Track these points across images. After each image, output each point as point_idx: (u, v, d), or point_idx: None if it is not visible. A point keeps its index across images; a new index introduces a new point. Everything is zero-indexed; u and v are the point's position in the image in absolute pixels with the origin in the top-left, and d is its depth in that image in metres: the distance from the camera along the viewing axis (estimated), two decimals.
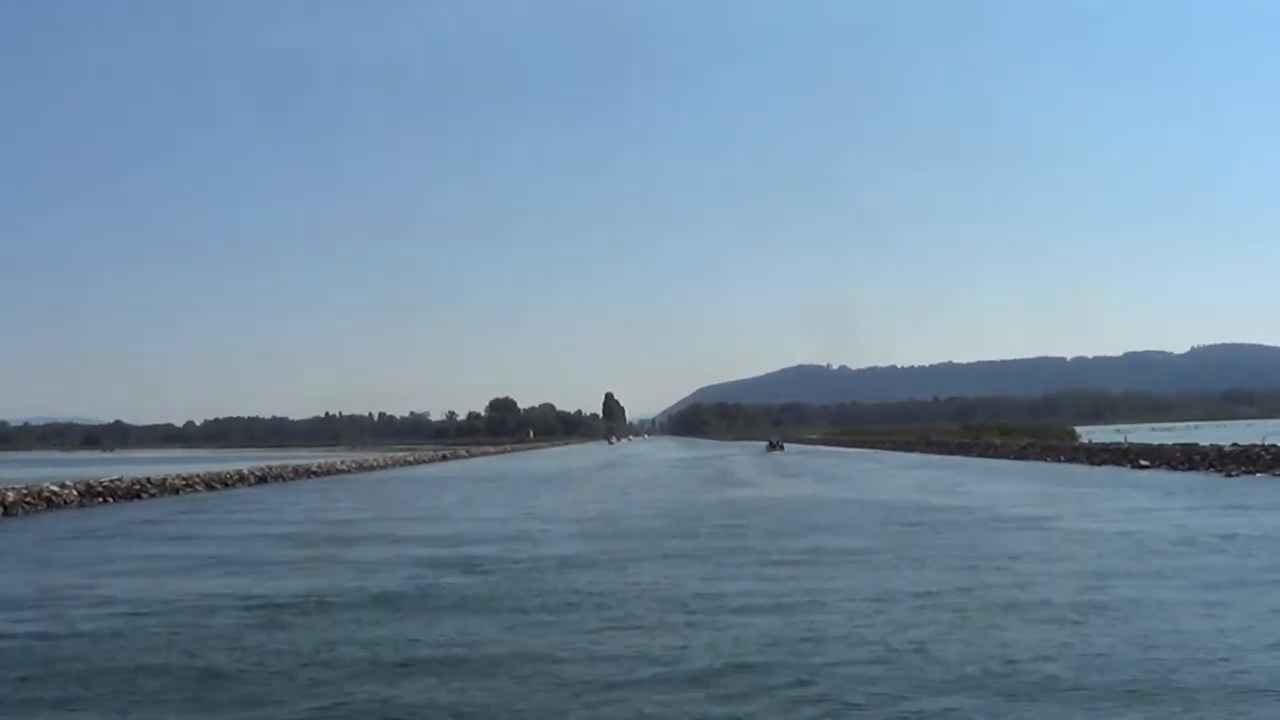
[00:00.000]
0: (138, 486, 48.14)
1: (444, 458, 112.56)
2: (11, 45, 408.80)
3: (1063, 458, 60.21)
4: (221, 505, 40.86)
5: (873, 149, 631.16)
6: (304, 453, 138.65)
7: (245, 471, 60.95)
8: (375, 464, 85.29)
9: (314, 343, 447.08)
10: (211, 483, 55.09)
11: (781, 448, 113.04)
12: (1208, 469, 44.23)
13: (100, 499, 44.53)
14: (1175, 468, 46.76)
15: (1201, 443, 52.61)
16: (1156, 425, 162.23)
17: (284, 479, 63.95)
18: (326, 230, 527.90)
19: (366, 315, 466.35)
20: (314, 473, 69.44)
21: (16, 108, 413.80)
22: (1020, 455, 66.75)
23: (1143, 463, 49.29)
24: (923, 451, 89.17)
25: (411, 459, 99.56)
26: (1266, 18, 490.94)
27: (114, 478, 49.37)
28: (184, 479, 53.31)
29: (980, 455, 73.81)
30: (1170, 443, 54.75)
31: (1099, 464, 54.05)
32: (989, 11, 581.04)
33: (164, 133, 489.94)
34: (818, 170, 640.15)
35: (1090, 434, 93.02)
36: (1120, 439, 78.67)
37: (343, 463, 78.46)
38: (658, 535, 23.88)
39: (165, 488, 50.48)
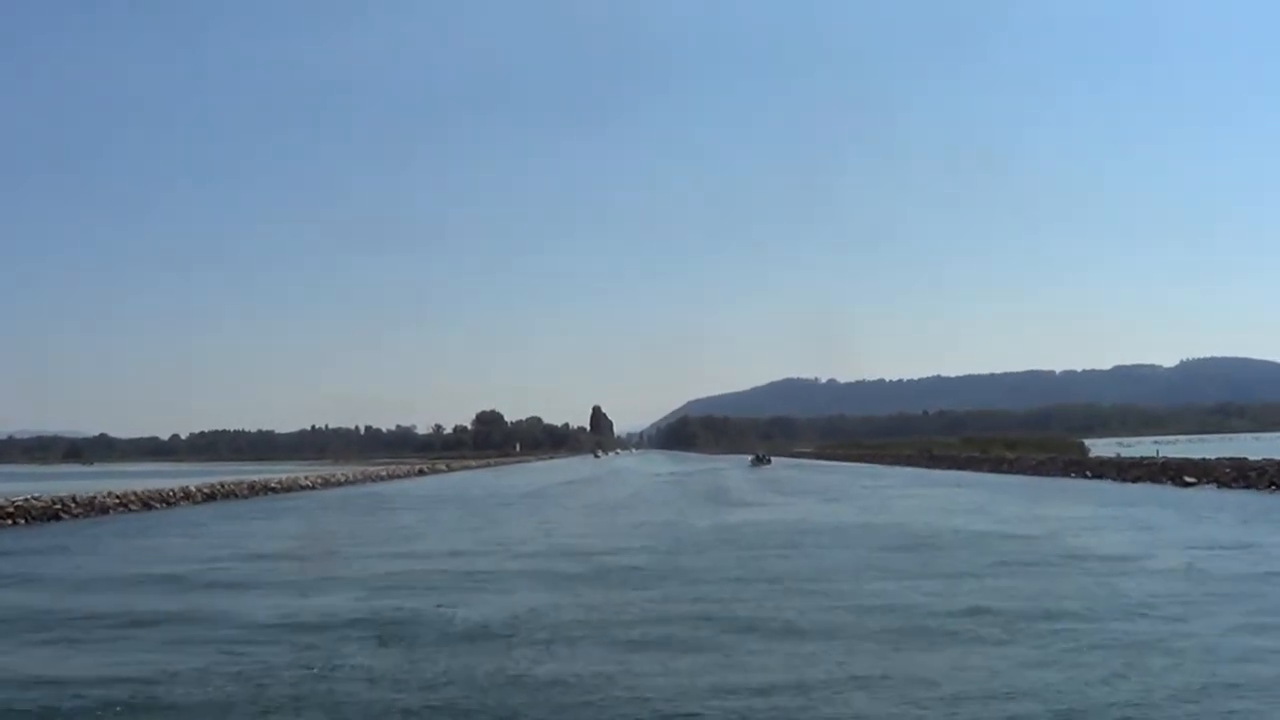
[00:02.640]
0: (58, 506, 42.56)
1: (420, 472, 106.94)
2: (8, 48, 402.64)
3: (1089, 473, 55.11)
4: (143, 529, 35.34)
5: (862, 162, 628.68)
6: (288, 466, 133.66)
7: (192, 489, 55.41)
8: (344, 479, 79.65)
9: (302, 355, 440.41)
10: (150, 501, 49.51)
11: (768, 461, 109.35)
12: (1267, 487, 39.21)
13: (10, 520, 39.05)
14: (1226, 485, 41.76)
15: (1252, 457, 47.67)
16: (1160, 439, 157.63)
17: (237, 496, 58.44)
18: (315, 243, 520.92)
19: (355, 328, 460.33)
20: (272, 489, 63.88)
21: (6, 116, 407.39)
22: (1039, 471, 61.58)
23: (1187, 479, 44.22)
24: (926, 466, 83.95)
25: (385, 474, 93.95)
26: (1267, 29, 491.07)
27: (31, 495, 43.80)
28: (117, 497, 47.71)
29: (992, 471, 68.63)
30: (1213, 457, 49.69)
31: (1132, 480, 49.00)
32: (980, 25, 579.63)
33: (153, 145, 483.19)
34: (806, 184, 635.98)
35: (1092, 447, 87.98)
36: (1124, 452, 73.63)
37: (306, 478, 72.84)
38: (648, 582, 18.54)
39: (93, 507, 44.88)
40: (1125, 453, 72.34)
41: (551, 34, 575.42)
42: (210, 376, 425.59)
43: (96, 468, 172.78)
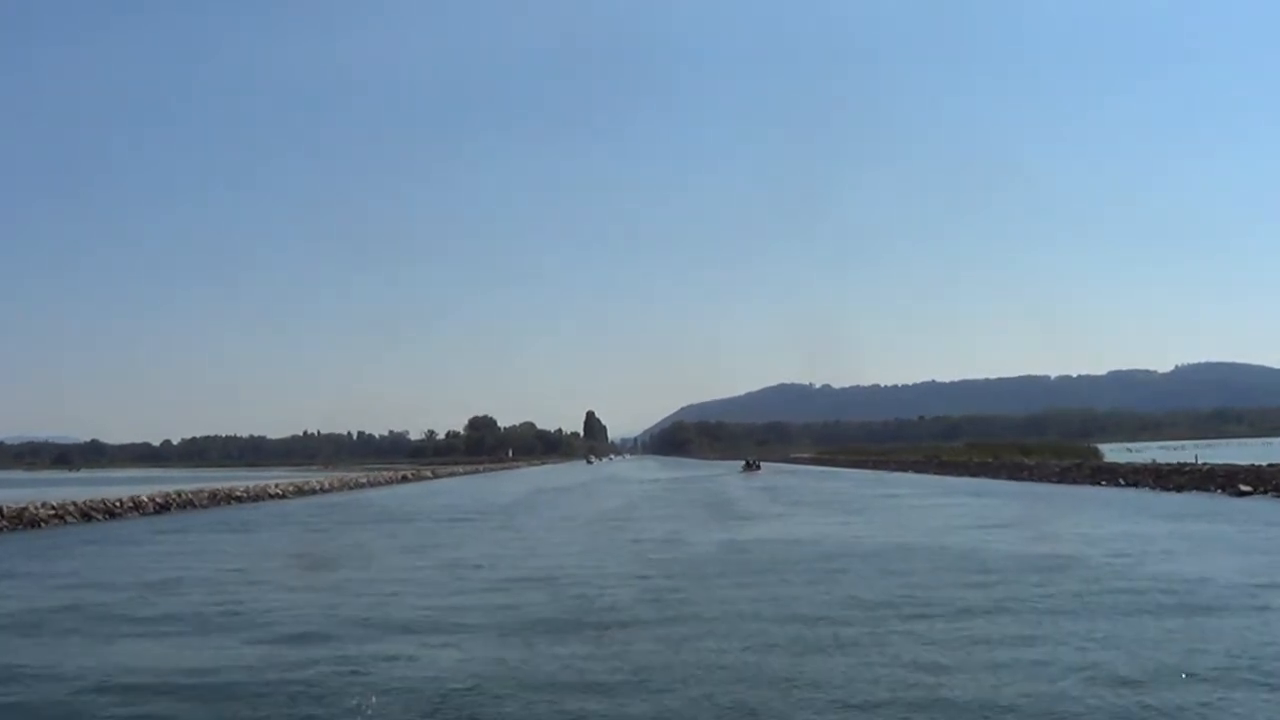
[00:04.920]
0: None
1: (405, 479, 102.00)
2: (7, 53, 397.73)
3: (1122, 481, 50.52)
4: (44, 551, 30.61)
5: (857, 169, 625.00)
6: (277, 472, 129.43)
7: (143, 498, 50.62)
8: (318, 487, 74.82)
9: (296, 361, 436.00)
10: (90, 512, 44.75)
11: (757, 467, 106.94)
12: None
13: None
14: None
15: None
16: (1166, 444, 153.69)
17: (195, 506, 53.70)
18: (309, 248, 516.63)
19: (349, 333, 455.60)
20: (236, 498, 59.02)
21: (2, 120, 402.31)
22: (1064, 478, 56.97)
23: (1243, 488, 39.72)
24: (936, 473, 79.27)
25: (365, 481, 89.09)
26: (1253, 35, 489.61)
27: None
28: (53, 508, 42.98)
29: (1010, 478, 63.98)
30: (1264, 464, 45.14)
31: (1175, 489, 44.39)
32: (975, 32, 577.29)
33: (148, 151, 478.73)
34: (802, 189, 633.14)
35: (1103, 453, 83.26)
36: (1133, 458, 68.59)
37: (276, 486, 67.93)
38: (639, 630, 13.98)
39: (22, 520, 40.19)
40: (1134, 458, 67.78)
41: (549, 40, 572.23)
42: (205, 382, 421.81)
43: (82, 474, 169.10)
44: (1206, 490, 42.20)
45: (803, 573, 19.54)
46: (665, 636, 13.27)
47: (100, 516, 44.79)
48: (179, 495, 54.39)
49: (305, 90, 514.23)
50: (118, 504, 47.50)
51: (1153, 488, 46.51)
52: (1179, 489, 44.07)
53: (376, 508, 51.84)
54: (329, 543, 30.22)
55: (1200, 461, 49.20)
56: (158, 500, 51.26)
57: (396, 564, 23.49)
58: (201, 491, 57.47)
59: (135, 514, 47.57)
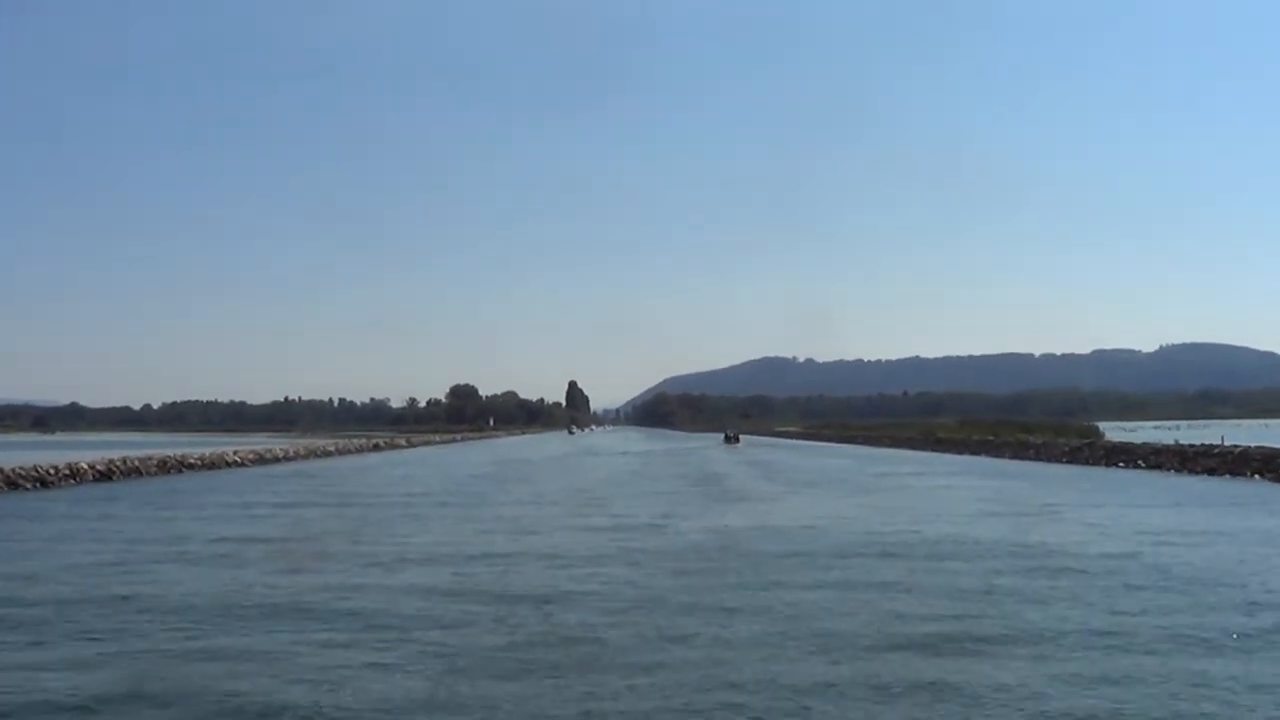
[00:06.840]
0: None
1: (376, 447, 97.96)
2: None
3: (1141, 463, 47.01)
4: None
5: (844, 147, 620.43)
6: (256, 438, 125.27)
7: (83, 466, 46.44)
8: (281, 455, 70.68)
9: (280, 328, 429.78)
10: (19, 480, 40.63)
11: (737, 440, 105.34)
12: None
13: None
14: None
15: None
16: (1160, 424, 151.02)
17: (142, 474, 49.67)
18: (290, 215, 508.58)
19: (332, 301, 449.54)
20: (189, 466, 54.95)
21: None
22: (1074, 459, 53.52)
23: None
24: (934, 450, 75.77)
25: (332, 449, 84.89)
26: (1242, 27, 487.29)
27: None
28: None
29: (1014, 457, 60.54)
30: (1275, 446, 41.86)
31: (1205, 473, 40.87)
32: (960, 22, 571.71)
33: (128, 117, 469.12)
34: (788, 166, 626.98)
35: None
36: (1131, 438, 64.95)
37: (236, 453, 63.73)
38: (615, 679, 10.12)
39: None
40: (1133, 438, 64.37)
41: (536, 23, 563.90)
42: (189, 348, 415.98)
43: (59, 437, 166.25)
44: (1241, 475, 38.70)
45: (820, 579, 15.70)
46: (649, 688, 9.43)
47: (30, 485, 40.70)
48: (124, 462, 50.28)
49: (290, 62, 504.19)
50: (52, 472, 43.35)
51: (1177, 470, 43.03)
52: (1210, 473, 40.57)
53: (336, 479, 47.82)
54: (258, 524, 26.12)
55: (1228, 443, 45.62)
56: (98, 468, 47.10)
57: (325, 555, 19.53)
58: (150, 459, 53.31)
59: (71, 483, 43.47)
